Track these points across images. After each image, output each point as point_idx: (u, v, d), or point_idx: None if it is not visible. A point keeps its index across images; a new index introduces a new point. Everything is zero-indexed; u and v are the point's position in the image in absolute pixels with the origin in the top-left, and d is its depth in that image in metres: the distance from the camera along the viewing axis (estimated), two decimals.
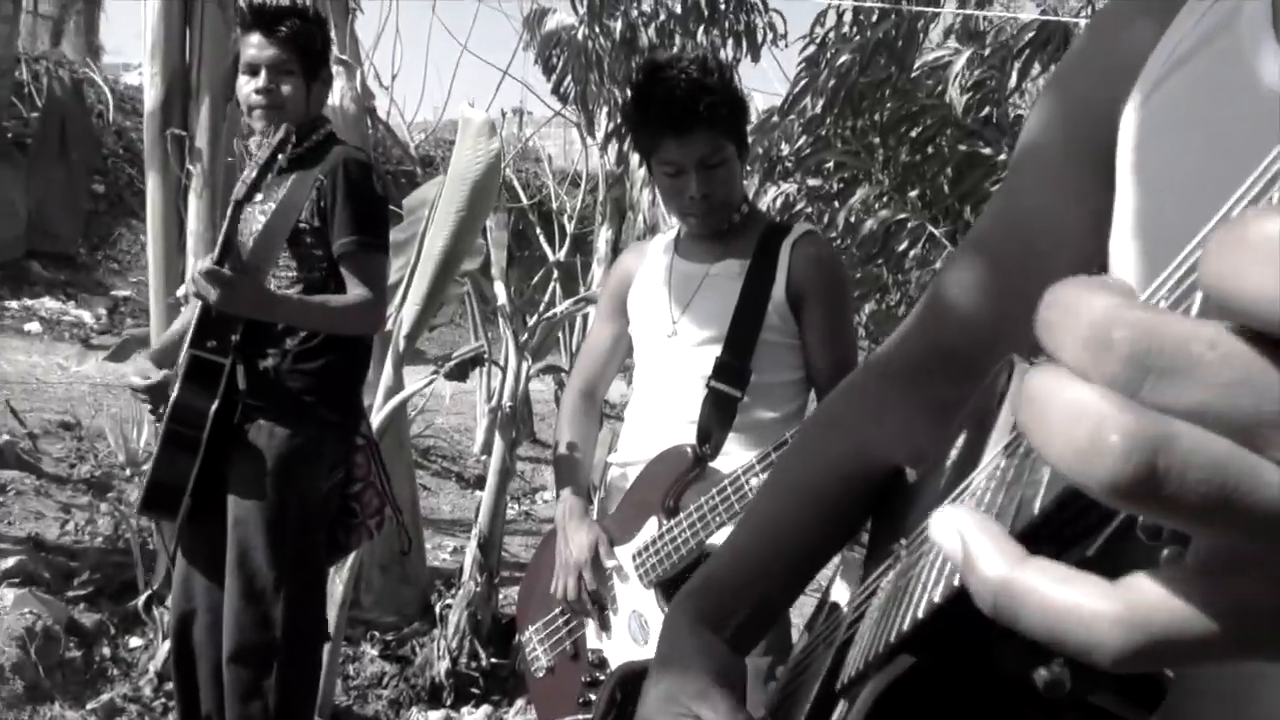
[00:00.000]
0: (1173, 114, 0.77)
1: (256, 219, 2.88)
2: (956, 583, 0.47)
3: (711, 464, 2.29)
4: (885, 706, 0.64)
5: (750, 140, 4.58)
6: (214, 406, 2.79)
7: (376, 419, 3.71)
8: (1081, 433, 0.29)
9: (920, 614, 0.54)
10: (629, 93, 2.44)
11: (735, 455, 2.24)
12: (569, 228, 6.80)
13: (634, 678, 2.27)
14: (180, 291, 4.17)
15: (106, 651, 4.01)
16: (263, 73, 2.84)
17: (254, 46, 2.85)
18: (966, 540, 0.35)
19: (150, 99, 4.35)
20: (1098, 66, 0.85)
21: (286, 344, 2.87)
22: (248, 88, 2.86)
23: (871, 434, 1.01)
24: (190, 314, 3.03)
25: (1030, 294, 0.97)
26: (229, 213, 2.70)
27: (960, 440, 0.74)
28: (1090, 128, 0.85)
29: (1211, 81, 0.74)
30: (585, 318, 5.87)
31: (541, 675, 2.55)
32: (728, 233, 2.42)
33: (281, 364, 2.87)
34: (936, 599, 0.51)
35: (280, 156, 2.72)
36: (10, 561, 4.20)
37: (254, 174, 2.66)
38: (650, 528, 2.31)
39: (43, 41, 17.64)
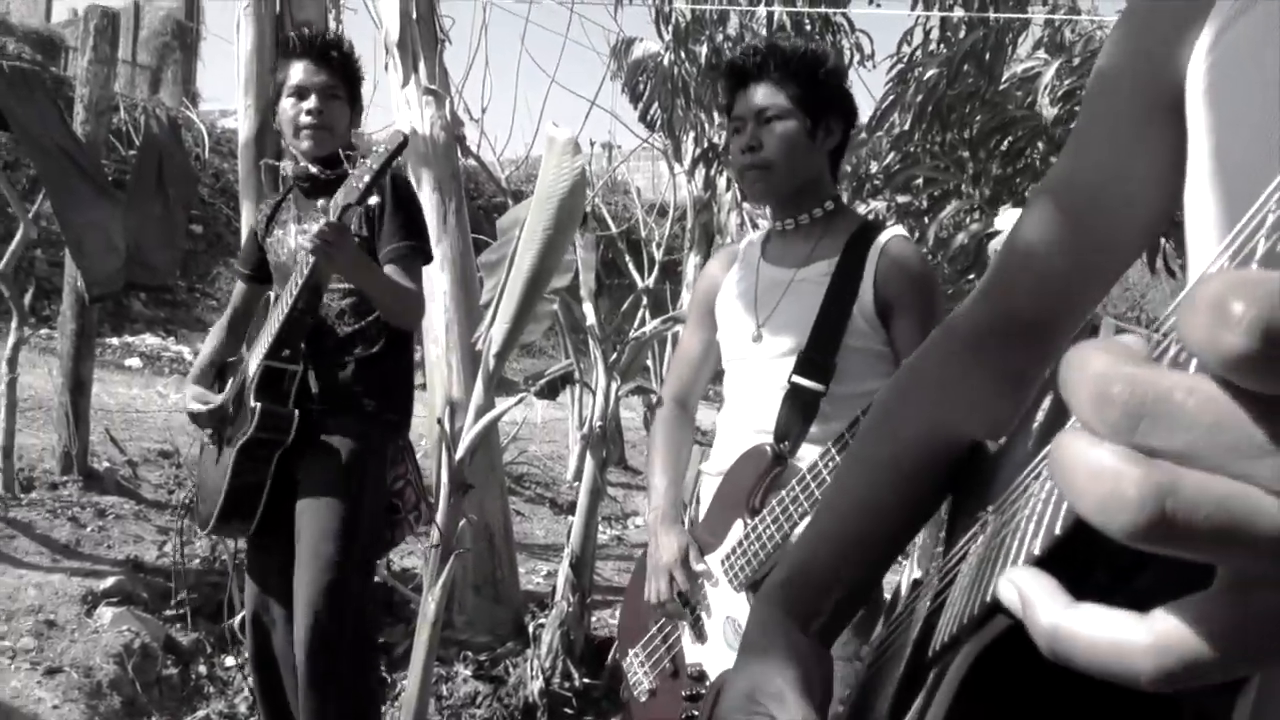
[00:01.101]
0: (1244, 54, 0.75)
1: (289, 240, 3.10)
2: (1058, 531, 0.48)
3: (792, 461, 2.26)
4: (981, 670, 0.64)
5: None
6: (296, 410, 2.96)
7: (467, 439, 3.73)
8: (1102, 489, 0.34)
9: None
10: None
11: (814, 454, 2.19)
12: (657, 255, 6.83)
13: None
14: None
15: (202, 669, 4.08)
16: (313, 97, 2.99)
17: (303, 72, 3.01)
18: (1024, 592, 0.41)
19: (244, 130, 4.47)
20: (1166, 11, 0.83)
21: (356, 351, 3.03)
22: (293, 110, 3.01)
23: (946, 409, 1.00)
24: (216, 340, 3.26)
25: (1099, 254, 0.95)
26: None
27: (1046, 403, 0.73)
28: (1158, 75, 0.83)
29: None
30: (674, 338, 5.87)
31: (645, 699, 2.49)
32: (814, 231, 2.39)
33: (352, 370, 3.03)
34: (1036, 551, 0.51)
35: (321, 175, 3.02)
36: (109, 581, 4.30)
37: (368, 178, 2.73)
38: (736, 530, 2.29)
39: (141, 90, 18.23)
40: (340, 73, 3.04)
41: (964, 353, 1.01)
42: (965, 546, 0.77)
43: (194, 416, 3.15)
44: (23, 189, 9.50)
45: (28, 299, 5.95)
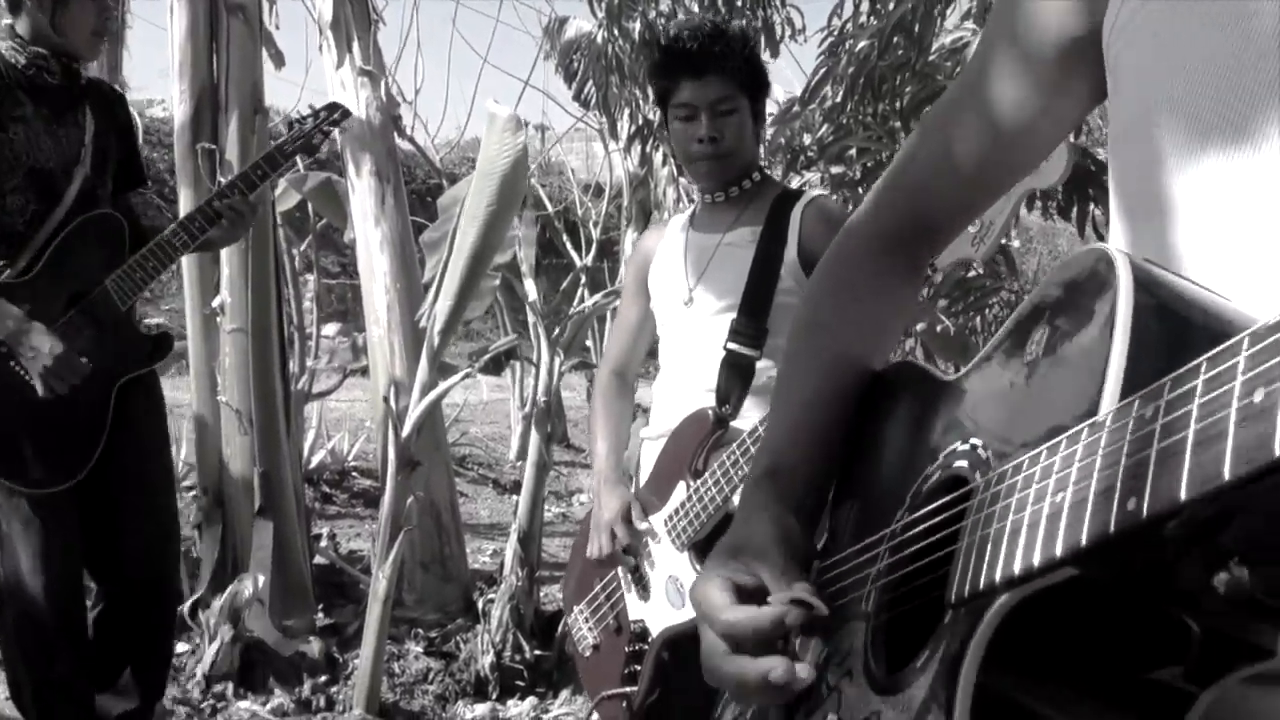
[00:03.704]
0: (1168, 10, 0.79)
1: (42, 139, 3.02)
2: (1182, 497, 0.49)
3: (733, 424, 2.33)
4: (1017, 613, 0.65)
5: (771, 132, 4.64)
6: None
7: (413, 416, 3.76)
8: None
9: (1112, 528, 0.54)
10: (656, 44, 2.53)
11: (755, 416, 2.27)
12: (594, 234, 6.85)
13: (677, 642, 2.31)
14: (216, 301, 4.25)
15: None
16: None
17: None
18: None
19: (180, 114, 4.43)
20: None
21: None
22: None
23: (870, 300, 1.09)
24: None
25: (989, 173, 1.04)
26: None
27: (1040, 335, 0.74)
28: (1073, 21, 0.89)
29: None
30: (614, 314, 5.91)
31: (589, 654, 2.59)
32: (740, 201, 2.47)
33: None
34: (1143, 514, 0.52)
35: None
36: None
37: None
38: (679, 492, 2.35)
39: None
40: None
41: (879, 250, 1.09)
42: (942, 509, 0.78)
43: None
44: None
45: None
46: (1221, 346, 0.50)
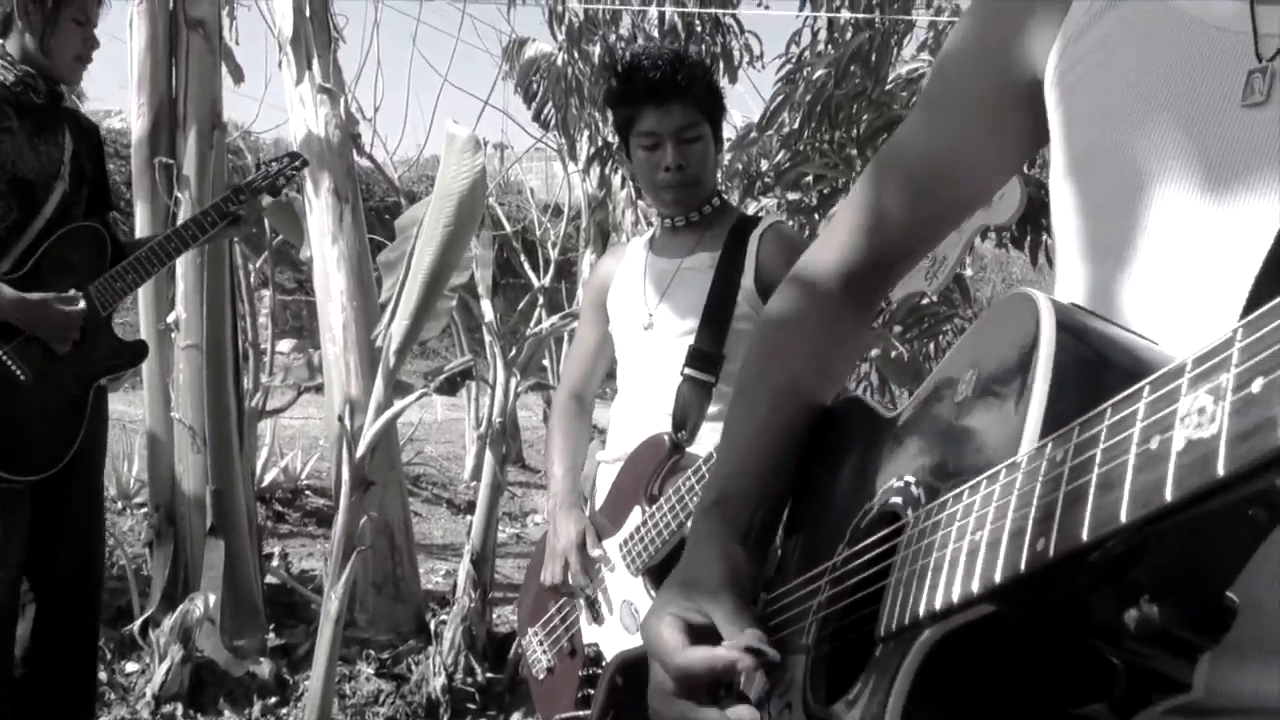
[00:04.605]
0: (1107, 52, 0.84)
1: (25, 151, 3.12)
2: (1084, 538, 0.51)
3: (689, 450, 2.34)
4: (943, 647, 0.68)
5: (729, 157, 4.68)
6: None
7: (368, 436, 3.74)
8: None
9: (1022, 567, 0.56)
10: (615, 71, 2.53)
11: (712, 442, 2.27)
12: (553, 255, 6.86)
13: (631, 666, 2.31)
14: (171, 317, 4.22)
15: (103, 676, 4.02)
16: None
17: None
18: None
19: (137, 129, 4.41)
20: (1021, 10, 0.93)
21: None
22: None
23: (822, 334, 1.11)
24: None
25: (939, 213, 1.10)
26: None
27: (969, 376, 0.76)
28: (1015, 70, 0.94)
29: (1144, 17, 0.82)
30: (571, 335, 5.91)
31: (543, 677, 2.59)
32: (700, 226, 2.49)
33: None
34: (1050, 554, 0.54)
35: None
36: None
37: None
38: (634, 517, 2.36)
39: None
40: None
41: (831, 287, 1.11)
42: (877, 544, 0.81)
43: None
44: None
45: None
46: (1126, 393, 0.53)
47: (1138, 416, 0.50)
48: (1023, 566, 0.56)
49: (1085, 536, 0.51)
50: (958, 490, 0.68)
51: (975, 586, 0.60)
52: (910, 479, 0.80)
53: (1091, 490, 0.52)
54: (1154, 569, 0.55)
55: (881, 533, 0.81)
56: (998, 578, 0.58)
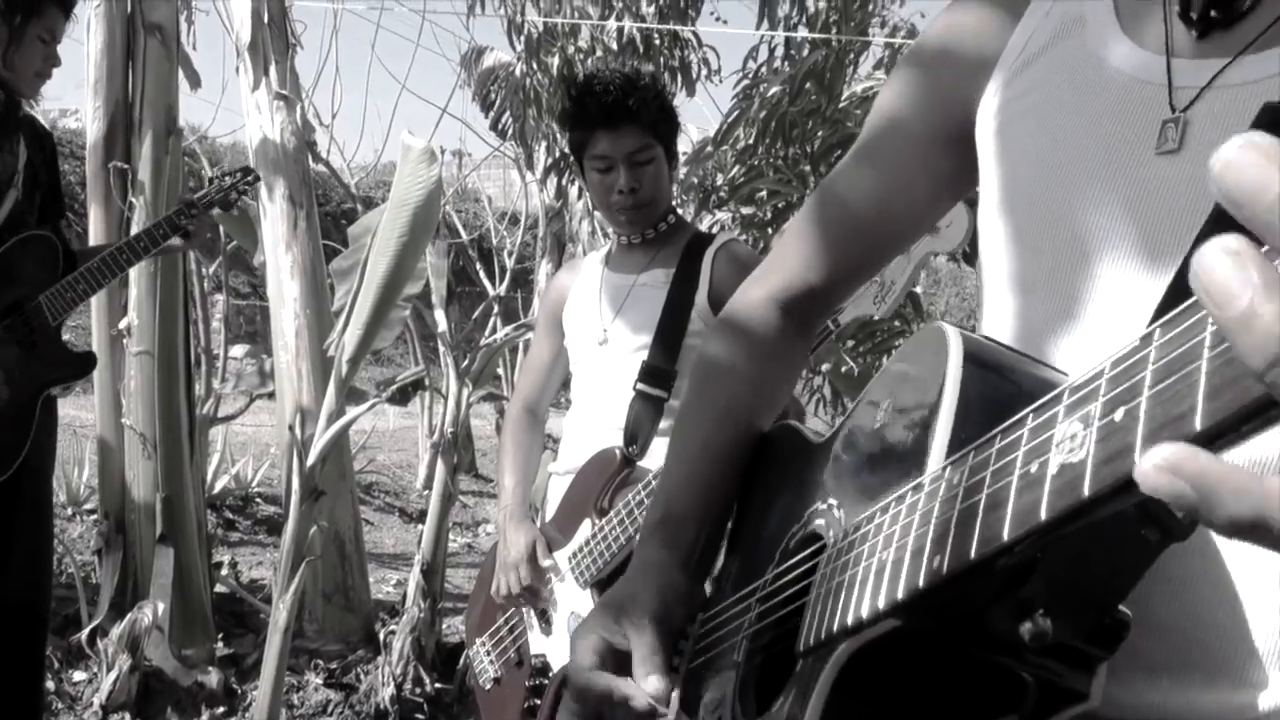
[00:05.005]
0: (1035, 98, 0.90)
1: None
2: (972, 555, 0.55)
3: (640, 464, 2.36)
4: (859, 662, 0.71)
5: (684, 171, 4.71)
6: None
7: (318, 445, 3.73)
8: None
9: (921, 583, 0.60)
10: (568, 93, 2.55)
11: (663, 456, 2.29)
12: (509, 264, 6.86)
13: None
14: (123, 323, 4.20)
15: (51, 685, 3.99)
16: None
17: None
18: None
19: (92, 133, 4.38)
20: (956, 58, 0.99)
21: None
22: None
23: (762, 358, 1.14)
24: None
25: (873, 248, 1.17)
26: None
27: (886, 404, 0.80)
28: (949, 113, 0.99)
29: (1069, 67, 0.88)
30: (525, 345, 5.93)
31: (489, 687, 2.60)
32: (655, 243, 2.52)
33: None
34: (944, 570, 0.57)
35: None
36: None
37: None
38: (584, 529, 2.38)
39: None
40: None
41: (771, 311, 1.15)
42: (801, 564, 0.85)
43: None
44: None
45: None
46: (1013, 419, 0.56)
47: (1022, 442, 0.54)
48: (921, 583, 0.60)
49: (974, 554, 0.54)
50: (871, 511, 0.72)
51: (881, 603, 0.64)
52: (833, 501, 0.84)
53: (980, 510, 0.55)
54: (1047, 585, 0.59)
55: (805, 553, 0.84)
56: (900, 594, 0.62)
